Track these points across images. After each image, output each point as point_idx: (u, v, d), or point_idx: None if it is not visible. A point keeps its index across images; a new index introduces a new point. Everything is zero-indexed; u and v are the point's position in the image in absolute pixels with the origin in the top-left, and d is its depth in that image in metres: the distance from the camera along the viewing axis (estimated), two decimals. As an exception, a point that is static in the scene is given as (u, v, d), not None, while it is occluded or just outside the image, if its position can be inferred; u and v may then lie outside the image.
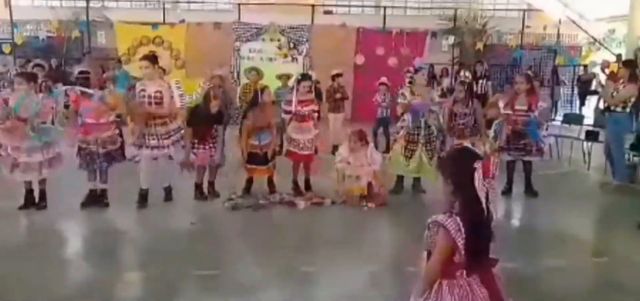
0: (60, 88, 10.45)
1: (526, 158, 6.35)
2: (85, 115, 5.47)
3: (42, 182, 5.53)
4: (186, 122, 5.86)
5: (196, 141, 5.90)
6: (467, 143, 6.59)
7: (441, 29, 15.00)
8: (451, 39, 14.81)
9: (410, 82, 6.50)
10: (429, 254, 2.08)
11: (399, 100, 6.36)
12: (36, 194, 5.56)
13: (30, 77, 5.62)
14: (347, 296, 3.80)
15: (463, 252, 1.98)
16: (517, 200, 6.36)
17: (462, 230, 1.96)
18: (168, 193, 5.93)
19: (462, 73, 12.19)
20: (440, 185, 2.14)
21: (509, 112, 6.35)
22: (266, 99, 6.20)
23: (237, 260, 4.35)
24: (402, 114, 6.37)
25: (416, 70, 6.49)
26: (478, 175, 1.95)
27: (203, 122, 5.87)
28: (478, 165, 1.96)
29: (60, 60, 13.74)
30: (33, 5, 14.60)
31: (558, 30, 15.76)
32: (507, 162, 6.43)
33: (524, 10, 15.79)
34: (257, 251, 4.59)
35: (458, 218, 1.98)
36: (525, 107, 6.24)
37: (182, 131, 5.81)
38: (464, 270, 2.03)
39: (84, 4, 14.21)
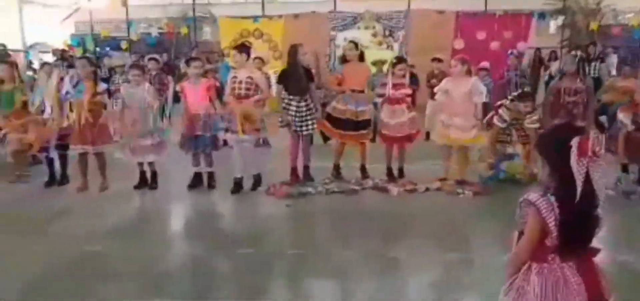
0: (171, 82, 11.31)
1: None
2: (192, 101, 5.87)
3: (152, 164, 6.01)
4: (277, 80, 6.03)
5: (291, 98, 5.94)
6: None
7: (549, 9, 14.03)
8: (560, 20, 13.81)
9: (508, 107, 6.05)
10: (520, 235, 1.95)
11: (495, 120, 6.05)
12: (148, 176, 6.07)
13: (141, 68, 6.29)
14: (434, 284, 3.72)
15: (555, 234, 1.83)
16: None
17: (557, 211, 1.82)
18: (257, 181, 6.01)
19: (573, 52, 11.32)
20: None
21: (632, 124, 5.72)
22: (355, 57, 6.09)
23: (327, 242, 4.43)
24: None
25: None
26: (574, 153, 1.78)
27: (293, 76, 5.92)
28: (575, 142, 1.79)
29: (171, 55, 14.77)
30: (146, 5, 15.77)
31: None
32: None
33: (646, -15, 14.33)
34: (346, 235, 4.64)
35: (553, 198, 1.84)
36: None
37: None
38: (557, 254, 1.88)
39: (190, 1, 15.12)
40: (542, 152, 1.98)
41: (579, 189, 1.79)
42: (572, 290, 1.86)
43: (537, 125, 5.91)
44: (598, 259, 1.97)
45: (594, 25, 13.43)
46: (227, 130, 5.85)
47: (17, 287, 3.65)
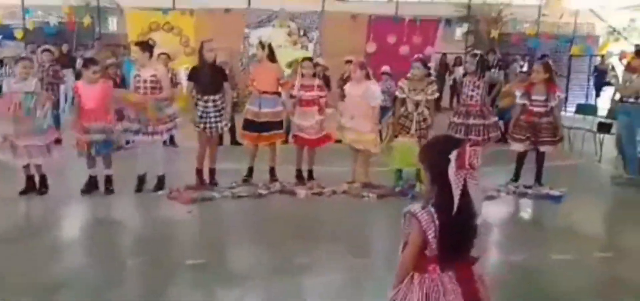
0: (70, 75, 10.56)
1: (541, 149, 6.16)
2: (86, 102, 5.45)
3: (40, 167, 5.52)
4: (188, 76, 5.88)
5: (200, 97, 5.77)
6: (472, 121, 6.48)
7: (455, 16, 14.73)
8: (465, 27, 14.54)
9: (408, 77, 6.28)
10: (405, 245, 1.98)
11: (397, 93, 6.16)
12: (36, 180, 5.57)
13: (31, 61, 5.76)
14: (338, 288, 3.71)
15: (434, 246, 1.89)
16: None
17: (436, 222, 1.87)
18: (161, 182, 5.81)
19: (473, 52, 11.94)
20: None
21: (526, 101, 6.17)
22: (264, 57, 6.03)
23: (230, 250, 4.31)
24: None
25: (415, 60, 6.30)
26: (452, 166, 1.83)
27: (205, 73, 5.76)
28: (453, 155, 1.84)
29: (71, 46, 13.80)
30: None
31: (575, 19, 15.40)
32: (519, 153, 6.27)
33: (541, -3, 15.48)
34: (251, 242, 4.54)
35: (433, 210, 1.88)
36: (543, 97, 6.05)
37: (178, 119, 5.76)
38: (437, 264, 1.93)
39: (94, -11, 14.26)
40: (423, 162, 2.01)
41: (456, 200, 1.84)
42: (449, 299, 1.91)
43: (436, 96, 6.18)
44: (478, 267, 2.03)
45: (494, 33, 14.27)
46: (138, 132, 5.58)
47: None
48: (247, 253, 4.28)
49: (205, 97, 5.76)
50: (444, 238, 1.87)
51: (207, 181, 5.96)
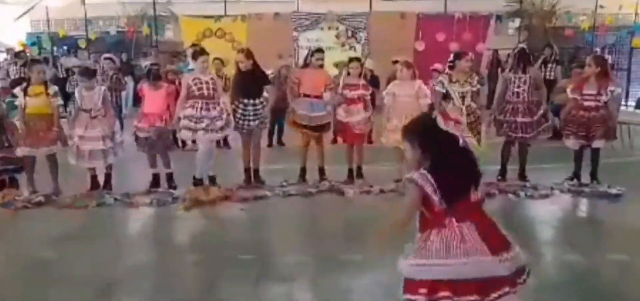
0: (130, 81, 11.12)
1: (594, 144, 5.98)
2: (149, 105, 5.89)
3: (107, 167, 5.91)
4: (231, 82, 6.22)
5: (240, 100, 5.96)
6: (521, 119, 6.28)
7: (507, 11, 14.39)
8: (517, 22, 14.17)
9: (450, 67, 6.25)
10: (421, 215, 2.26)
11: (437, 87, 6.13)
12: (101, 180, 5.94)
13: (91, 73, 6.09)
14: (387, 286, 3.76)
15: (437, 199, 2.12)
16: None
17: (431, 180, 2.11)
18: (212, 183, 6.00)
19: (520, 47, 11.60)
20: None
21: (577, 96, 6.01)
22: (316, 63, 6.14)
23: (280, 246, 4.47)
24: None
25: (457, 56, 6.21)
26: (440, 121, 2.17)
27: (246, 79, 5.98)
28: (437, 115, 2.27)
29: (130, 54, 14.49)
30: (103, 2, 15.40)
31: (636, 9, 14.67)
32: (575, 150, 6.11)
33: (598, -12, 14.85)
34: (300, 238, 4.69)
35: (425, 172, 2.14)
36: (594, 91, 5.87)
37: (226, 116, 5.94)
38: (452, 217, 2.13)
39: (150, -1, 14.89)
40: (411, 137, 2.24)
41: (461, 140, 2.16)
42: (470, 245, 2.10)
43: (478, 87, 6.05)
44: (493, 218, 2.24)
45: (549, 27, 13.83)
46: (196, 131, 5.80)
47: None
48: (297, 249, 4.41)
49: (245, 100, 5.97)
50: (446, 188, 2.11)
51: (253, 181, 6.15)
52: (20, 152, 5.68)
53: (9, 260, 4.17)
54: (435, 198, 2.12)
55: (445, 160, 2.13)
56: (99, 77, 7.59)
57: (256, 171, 6.23)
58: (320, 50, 6.43)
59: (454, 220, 2.12)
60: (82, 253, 4.30)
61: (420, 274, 2.18)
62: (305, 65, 6.39)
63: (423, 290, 2.15)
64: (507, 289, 2.12)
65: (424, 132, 2.20)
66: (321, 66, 6.23)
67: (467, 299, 2.08)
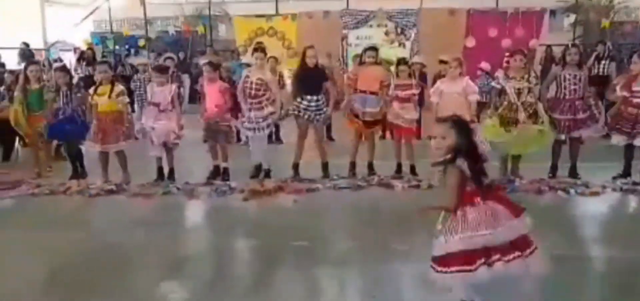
0: (186, 80, 11.66)
1: (636, 142, 5.90)
2: (210, 100, 6.27)
3: (171, 160, 6.34)
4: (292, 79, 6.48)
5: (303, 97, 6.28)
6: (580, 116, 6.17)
7: (561, 7, 14.05)
8: (572, 17, 13.80)
9: (507, 64, 6.33)
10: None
11: (493, 83, 6.24)
12: (166, 171, 6.38)
13: (165, 69, 6.65)
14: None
15: (470, 179, 2.70)
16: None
17: (466, 165, 2.68)
18: (267, 176, 6.38)
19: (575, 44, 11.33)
20: None
21: (626, 93, 5.95)
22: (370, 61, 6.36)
23: (331, 235, 4.71)
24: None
25: (512, 54, 6.23)
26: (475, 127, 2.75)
27: (308, 76, 6.29)
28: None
29: (187, 53, 15.12)
30: (162, 3, 16.10)
31: (702, 2, 14.03)
32: (625, 146, 6.05)
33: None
34: (350, 228, 4.92)
35: (461, 159, 2.70)
36: None
37: (274, 115, 6.32)
38: (479, 196, 2.70)
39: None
40: (457, 128, 2.77)
41: (482, 146, 3.05)
42: (500, 216, 2.68)
43: (534, 83, 6.04)
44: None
45: (605, 23, 13.41)
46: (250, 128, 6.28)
47: (42, 277, 3.92)
48: (347, 238, 4.65)
49: (308, 97, 6.26)
50: (475, 174, 2.71)
51: (321, 174, 6.43)
52: (91, 148, 6.19)
53: (84, 244, 4.55)
54: (469, 175, 2.70)
55: (475, 152, 2.78)
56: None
57: (325, 164, 6.49)
58: (372, 48, 6.65)
59: (479, 199, 2.71)
60: (150, 238, 4.71)
61: (463, 245, 2.67)
62: (361, 62, 6.61)
63: (459, 263, 2.67)
64: (519, 253, 2.66)
65: (466, 127, 2.84)
66: (375, 63, 6.44)
67: (494, 259, 2.62)
